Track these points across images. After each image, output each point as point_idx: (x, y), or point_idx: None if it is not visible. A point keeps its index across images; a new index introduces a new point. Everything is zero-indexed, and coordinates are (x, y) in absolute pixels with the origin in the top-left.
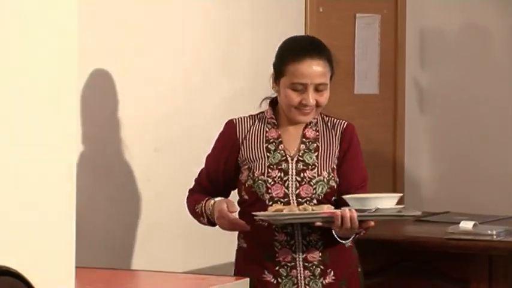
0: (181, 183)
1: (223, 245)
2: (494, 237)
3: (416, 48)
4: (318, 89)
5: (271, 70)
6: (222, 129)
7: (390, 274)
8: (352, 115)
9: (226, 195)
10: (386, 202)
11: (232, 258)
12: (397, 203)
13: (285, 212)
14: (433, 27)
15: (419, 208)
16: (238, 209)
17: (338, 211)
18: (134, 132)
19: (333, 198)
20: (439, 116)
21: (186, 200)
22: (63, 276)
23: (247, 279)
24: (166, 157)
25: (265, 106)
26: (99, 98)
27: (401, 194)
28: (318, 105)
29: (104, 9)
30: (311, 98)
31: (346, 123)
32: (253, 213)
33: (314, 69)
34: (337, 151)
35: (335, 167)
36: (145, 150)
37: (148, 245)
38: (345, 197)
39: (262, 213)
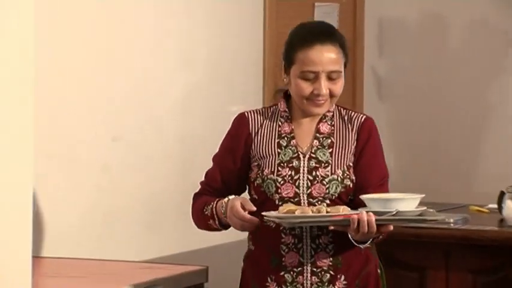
0: (139, 172)
1: (181, 234)
2: (452, 225)
3: (374, 37)
4: (330, 77)
5: (239, 61)
6: (232, 123)
7: None
8: None
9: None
10: (407, 204)
11: (191, 246)
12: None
13: (297, 213)
14: (392, 16)
15: None
16: (255, 209)
17: (354, 214)
18: (93, 122)
19: (349, 197)
20: (397, 103)
21: (191, 206)
22: (19, 265)
23: (205, 268)
24: (124, 146)
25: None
26: (58, 87)
27: (423, 195)
28: (332, 95)
29: (62, 1)
30: (324, 87)
31: (364, 117)
32: (263, 213)
33: (325, 55)
34: (353, 147)
35: (351, 164)
36: (103, 139)
37: (105, 234)
38: (363, 197)
39: (272, 213)
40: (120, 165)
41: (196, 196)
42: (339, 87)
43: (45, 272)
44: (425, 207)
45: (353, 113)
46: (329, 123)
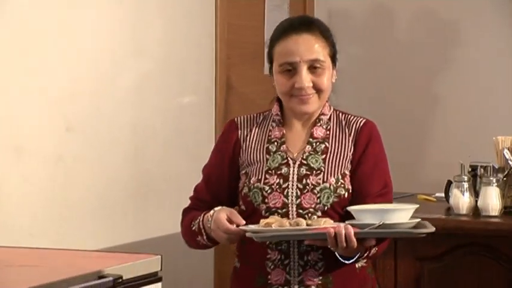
0: (92, 163)
1: (135, 223)
2: None
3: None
4: (313, 67)
5: (191, 52)
6: (223, 130)
7: None
8: (262, 95)
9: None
10: (397, 215)
11: (145, 235)
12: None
13: (273, 226)
14: (341, 8)
15: None
16: (243, 222)
17: (331, 227)
18: (46, 112)
19: (344, 209)
20: (347, 94)
21: (180, 223)
22: None
23: (159, 257)
24: (78, 136)
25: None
26: (11, 78)
27: (416, 206)
28: (317, 88)
29: None
30: (304, 79)
31: (363, 120)
32: (240, 227)
33: (303, 44)
34: (350, 154)
35: (347, 172)
36: (57, 129)
37: (60, 224)
38: (348, 208)
39: (249, 227)
40: (73, 156)
41: (185, 212)
42: (323, 79)
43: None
44: (419, 219)
45: (352, 116)
46: (324, 127)
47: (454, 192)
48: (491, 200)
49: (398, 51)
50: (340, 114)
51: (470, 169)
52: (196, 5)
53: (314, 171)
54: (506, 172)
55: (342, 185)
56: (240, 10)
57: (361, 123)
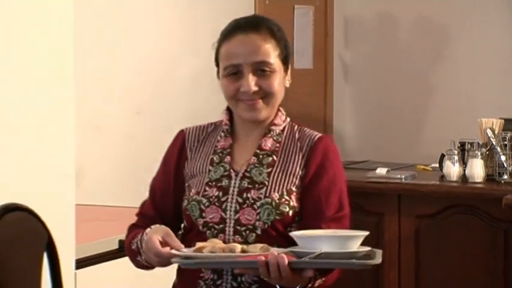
0: (157, 141)
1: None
2: (403, 180)
3: (341, 32)
4: (259, 70)
5: None
6: (171, 141)
7: None
8: (292, 85)
9: (176, 229)
10: (343, 243)
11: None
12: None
13: (205, 251)
14: (355, 15)
15: (343, 157)
16: (181, 246)
17: (261, 256)
18: (119, 98)
19: (289, 229)
20: (360, 85)
21: (125, 240)
22: (64, 211)
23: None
24: (146, 119)
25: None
26: (93, 71)
27: (366, 233)
28: (265, 93)
29: None
30: (249, 82)
31: (317, 136)
32: (172, 251)
33: (248, 44)
34: (299, 169)
35: (294, 189)
36: (128, 113)
37: (132, 193)
38: (291, 234)
39: (182, 251)
40: (142, 135)
41: (129, 229)
42: (272, 83)
43: (85, 217)
44: (368, 248)
45: (307, 130)
46: (275, 138)
47: (446, 163)
48: (476, 169)
49: (400, 49)
50: (295, 126)
51: (459, 145)
52: (239, 15)
53: (256, 185)
54: (488, 147)
55: (286, 202)
56: (275, 18)
57: (315, 139)
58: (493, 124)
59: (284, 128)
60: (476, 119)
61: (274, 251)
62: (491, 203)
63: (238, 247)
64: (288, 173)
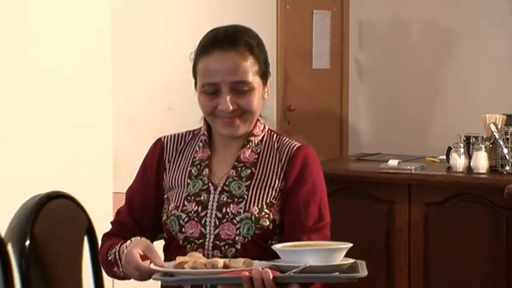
0: None
1: None
2: (413, 170)
3: (356, 35)
4: (237, 89)
5: None
6: (148, 151)
7: (336, 197)
8: (311, 85)
9: (153, 238)
10: (327, 256)
11: None
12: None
13: (186, 266)
14: (368, 20)
15: (358, 150)
16: (161, 262)
17: (245, 272)
18: (153, 95)
19: (270, 242)
20: (373, 84)
21: (99, 249)
22: (103, 198)
23: None
24: (177, 114)
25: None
26: (128, 69)
27: (350, 245)
28: (243, 111)
29: None
30: (227, 101)
31: (297, 145)
32: (152, 266)
33: (226, 63)
34: (278, 181)
35: (274, 201)
36: (161, 108)
37: None
38: (274, 247)
39: (164, 266)
40: (174, 130)
41: (105, 237)
42: (250, 101)
43: (121, 204)
44: (352, 260)
45: (286, 139)
46: (254, 149)
47: (453, 155)
48: (481, 161)
49: (410, 51)
50: (275, 135)
51: (465, 138)
52: (260, 19)
53: (236, 199)
54: (491, 141)
55: (266, 216)
56: (295, 22)
57: (294, 148)
58: (496, 120)
59: (263, 137)
60: (480, 115)
61: (258, 265)
62: (494, 192)
63: (221, 262)
64: (267, 186)
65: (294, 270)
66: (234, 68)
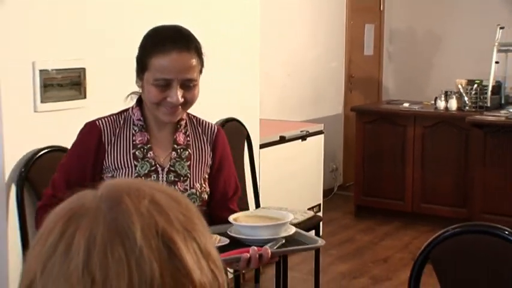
0: (303, 93)
1: None
2: (416, 109)
3: (388, 37)
4: (185, 84)
5: (329, 39)
6: (81, 132)
7: (375, 123)
8: (363, 63)
9: None
10: (280, 229)
11: None
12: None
13: None
14: (394, 28)
15: (387, 97)
16: None
17: (245, 253)
18: (280, 68)
19: (204, 208)
20: (395, 64)
21: (35, 219)
22: (253, 122)
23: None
24: (294, 79)
25: (130, 103)
26: (268, 51)
27: (291, 217)
28: (186, 102)
29: None
30: (177, 95)
31: (216, 127)
32: None
33: (181, 63)
34: (209, 159)
35: (206, 176)
36: (284, 75)
37: None
38: (233, 222)
39: None
40: (293, 94)
41: (43, 209)
42: (194, 94)
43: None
44: (295, 229)
45: (204, 121)
46: (183, 132)
47: (438, 101)
48: (453, 104)
49: (418, 46)
50: (193, 118)
51: (445, 92)
52: (337, 27)
53: (181, 178)
54: (459, 93)
55: (205, 190)
56: (354, 32)
57: (216, 130)
58: (462, 82)
59: (185, 121)
60: (454, 79)
61: (254, 247)
62: (460, 121)
63: None
64: (202, 164)
65: (271, 244)
66: (187, 68)
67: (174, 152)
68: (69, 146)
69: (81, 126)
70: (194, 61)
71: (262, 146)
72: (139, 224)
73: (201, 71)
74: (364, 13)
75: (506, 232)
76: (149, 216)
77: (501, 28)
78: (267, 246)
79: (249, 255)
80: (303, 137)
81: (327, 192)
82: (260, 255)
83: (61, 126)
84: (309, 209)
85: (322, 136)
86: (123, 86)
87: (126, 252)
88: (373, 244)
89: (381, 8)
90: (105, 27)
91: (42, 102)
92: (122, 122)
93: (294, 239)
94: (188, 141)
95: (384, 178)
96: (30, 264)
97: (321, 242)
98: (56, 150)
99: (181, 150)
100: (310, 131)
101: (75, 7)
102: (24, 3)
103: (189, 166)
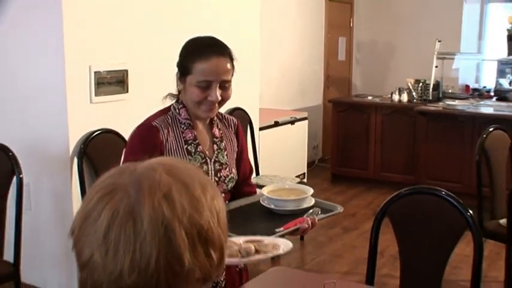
0: (292, 90)
1: None
2: (378, 101)
3: (356, 47)
4: (222, 85)
5: (312, 45)
6: (141, 132)
7: (346, 112)
8: (337, 66)
9: None
10: (306, 201)
11: None
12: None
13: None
14: (360, 41)
15: (355, 92)
16: None
17: (303, 224)
18: (274, 66)
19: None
20: (361, 67)
21: None
22: (253, 113)
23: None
24: (286, 79)
25: (166, 102)
26: (265, 54)
27: (311, 191)
28: (222, 100)
29: None
30: (216, 94)
31: (236, 120)
32: None
33: (220, 67)
34: (236, 147)
35: (235, 162)
36: (279, 75)
37: None
38: (264, 195)
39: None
40: (285, 86)
41: None
42: (229, 94)
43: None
44: (314, 199)
45: (226, 116)
46: (217, 126)
47: (393, 95)
48: (404, 97)
49: (379, 54)
50: (219, 114)
51: (398, 88)
52: (317, 42)
53: (223, 166)
54: (408, 89)
55: (236, 173)
56: (331, 41)
57: (236, 122)
58: (411, 81)
59: (215, 117)
60: (405, 78)
61: (280, 241)
62: (410, 110)
63: (252, 248)
64: (233, 152)
65: (312, 213)
66: (224, 71)
67: (215, 145)
68: (115, 128)
69: (124, 114)
70: (229, 65)
71: (261, 129)
72: (149, 215)
73: (232, 74)
74: (338, 29)
75: (443, 192)
76: (159, 209)
77: (439, 41)
78: (314, 216)
79: (306, 225)
80: (292, 122)
81: (310, 164)
82: (311, 224)
83: (110, 113)
84: (296, 176)
85: (306, 121)
86: (155, 83)
87: (135, 234)
88: (344, 203)
89: (351, 25)
90: (142, 39)
91: (96, 96)
92: (170, 121)
93: (318, 207)
94: (221, 133)
95: (353, 153)
96: (76, 217)
97: (340, 208)
98: (106, 132)
99: (219, 142)
100: (297, 118)
101: (119, 25)
102: (83, 25)
103: (226, 155)
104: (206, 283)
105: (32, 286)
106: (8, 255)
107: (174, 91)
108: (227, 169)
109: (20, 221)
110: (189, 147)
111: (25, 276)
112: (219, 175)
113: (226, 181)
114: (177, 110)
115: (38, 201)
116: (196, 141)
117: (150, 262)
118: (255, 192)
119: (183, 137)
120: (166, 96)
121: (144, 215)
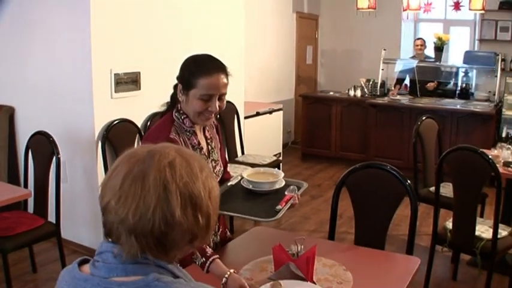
0: (266, 87)
1: None
2: (338, 95)
3: (320, 54)
4: (220, 97)
5: (286, 51)
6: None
7: (313, 105)
8: (306, 69)
9: None
10: (275, 184)
11: None
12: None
13: None
14: (325, 49)
15: (320, 88)
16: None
17: (296, 200)
18: (254, 67)
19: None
20: (326, 68)
21: None
22: (238, 104)
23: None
24: (268, 79)
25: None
26: (246, 57)
27: (282, 174)
28: (220, 110)
29: None
30: (216, 106)
31: (215, 121)
32: None
33: (221, 82)
34: (219, 144)
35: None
36: (257, 74)
37: None
38: (246, 178)
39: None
40: (270, 82)
41: None
42: (224, 104)
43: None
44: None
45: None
46: (206, 129)
47: (350, 91)
48: (359, 93)
49: (339, 59)
50: None
51: (353, 85)
52: (289, 49)
53: (217, 162)
54: (362, 86)
55: (223, 166)
56: (301, 49)
57: (216, 123)
58: (364, 80)
59: None
60: (359, 78)
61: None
62: (363, 103)
63: (282, 285)
64: (218, 149)
65: (291, 190)
66: (224, 85)
67: (209, 146)
68: (130, 118)
69: (138, 107)
70: (226, 80)
71: (246, 118)
72: (153, 175)
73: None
74: (306, 39)
75: (388, 167)
76: (162, 172)
77: (384, 50)
78: (297, 193)
79: (297, 201)
80: (270, 112)
81: (284, 145)
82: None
83: (126, 106)
84: (273, 155)
85: (281, 112)
86: (161, 82)
87: (142, 188)
88: (311, 176)
89: (316, 37)
90: (152, 47)
91: (115, 92)
92: (178, 130)
93: (288, 185)
94: (210, 135)
95: (318, 136)
96: (104, 177)
97: (305, 184)
98: (123, 121)
99: (211, 142)
100: (274, 109)
101: (133, 37)
102: (105, 38)
103: (217, 153)
104: (193, 242)
105: (70, 241)
106: (51, 217)
107: (171, 94)
108: (219, 164)
109: (59, 191)
110: (196, 152)
111: (64, 233)
112: (214, 171)
113: (219, 174)
114: (181, 120)
115: (72, 175)
116: (200, 145)
117: (149, 210)
118: (230, 177)
119: (190, 143)
120: (165, 103)
121: (150, 175)
